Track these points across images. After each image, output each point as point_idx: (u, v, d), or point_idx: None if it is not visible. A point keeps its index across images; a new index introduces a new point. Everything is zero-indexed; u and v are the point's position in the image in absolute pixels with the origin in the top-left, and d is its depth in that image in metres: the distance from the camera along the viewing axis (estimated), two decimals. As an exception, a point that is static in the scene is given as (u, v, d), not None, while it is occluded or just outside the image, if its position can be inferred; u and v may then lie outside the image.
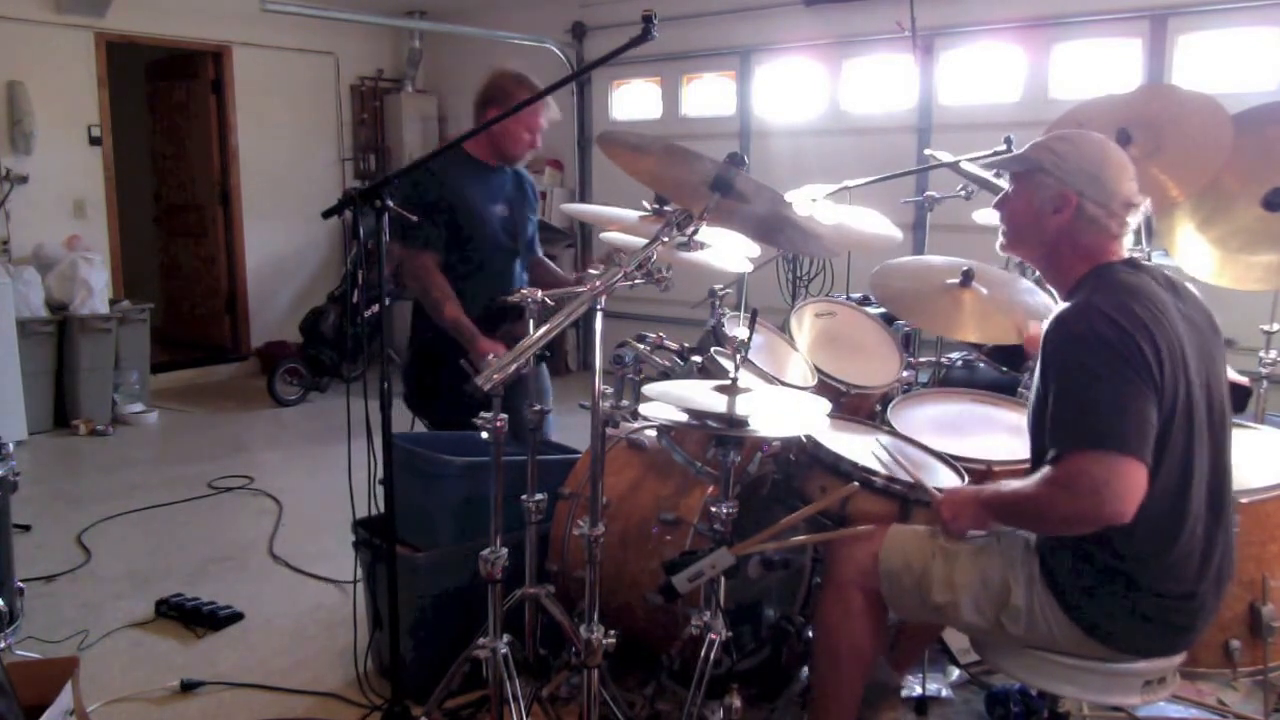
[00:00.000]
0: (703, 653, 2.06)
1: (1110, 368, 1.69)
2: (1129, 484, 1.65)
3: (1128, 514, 1.66)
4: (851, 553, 2.03)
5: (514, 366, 1.79)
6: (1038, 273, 2.42)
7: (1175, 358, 1.73)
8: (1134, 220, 1.88)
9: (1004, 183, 2.05)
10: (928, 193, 3.71)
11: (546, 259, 3.37)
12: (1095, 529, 1.72)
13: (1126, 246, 1.91)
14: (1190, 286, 1.92)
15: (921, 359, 3.16)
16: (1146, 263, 1.91)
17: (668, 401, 2.06)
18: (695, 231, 2.03)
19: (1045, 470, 1.74)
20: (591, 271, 2.28)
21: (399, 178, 2.26)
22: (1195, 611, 1.81)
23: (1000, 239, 2.01)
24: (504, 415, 2.10)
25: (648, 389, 2.16)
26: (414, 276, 2.97)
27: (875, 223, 3.24)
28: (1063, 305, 1.85)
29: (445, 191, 2.94)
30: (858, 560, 2.02)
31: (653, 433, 2.60)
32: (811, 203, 3.15)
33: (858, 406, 2.78)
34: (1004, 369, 2.98)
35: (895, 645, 2.39)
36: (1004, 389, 2.79)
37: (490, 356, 3.03)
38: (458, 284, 2.99)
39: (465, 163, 3.02)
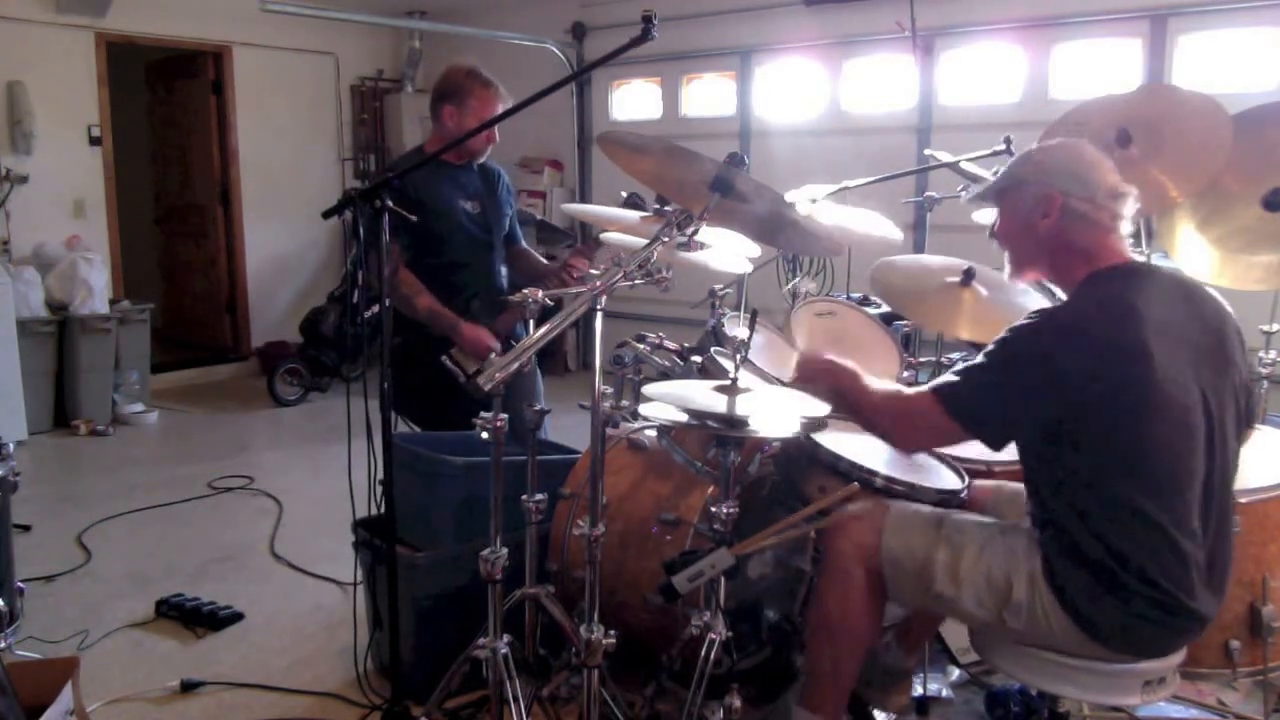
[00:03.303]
0: (703, 653, 2.06)
1: (1000, 361, 1.82)
2: (937, 435, 1.97)
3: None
4: (853, 529, 2.01)
5: (515, 365, 1.79)
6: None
7: (1135, 374, 1.73)
8: (1125, 210, 1.88)
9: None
10: (928, 193, 3.71)
11: (529, 250, 3.39)
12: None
13: (1128, 243, 1.90)
14: (1212, 292, 1.91)
15: (921, 359, 3.15)
16: (1154, 266, 1.90)
17: (668, 401, 2.06)
18: (695, 231, 2.03)
19: (900, 389, 2.04)
20: (591, 271, 2.28)
21: (399, 178, 2.26)
22: (1192, 614, 1.80)
23: (1007, 268, 2.04)
24: (504, 415, 2.09)
25: (648, 389, 2.16)
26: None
27: (875, 223, 3.23)
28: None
29: (409, 192, 2.90)
30: (859, 536, 2.00)
31: (653, 433, 2.60)
32: (811, 203, 3.14)
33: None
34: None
35: (906, 627, 2.38)
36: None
37: (492, 356, 3.05)
38: (436, 281, 3.01)
39: (429, 164, 2.99)
